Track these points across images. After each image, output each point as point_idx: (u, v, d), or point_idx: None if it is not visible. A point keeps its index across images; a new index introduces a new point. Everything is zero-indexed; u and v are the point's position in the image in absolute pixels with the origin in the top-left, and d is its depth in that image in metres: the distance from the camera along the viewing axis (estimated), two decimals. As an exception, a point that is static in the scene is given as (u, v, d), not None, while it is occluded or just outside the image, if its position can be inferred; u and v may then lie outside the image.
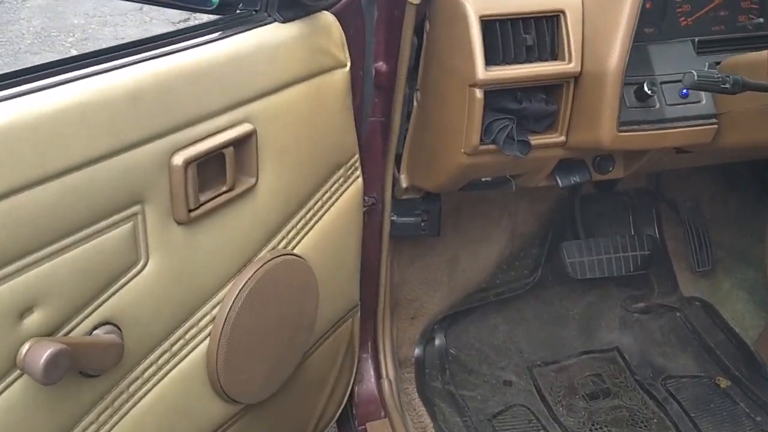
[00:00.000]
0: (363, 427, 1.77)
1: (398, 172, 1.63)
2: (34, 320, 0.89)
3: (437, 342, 2.02)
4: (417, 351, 1.98)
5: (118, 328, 1.00)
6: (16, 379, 0.89)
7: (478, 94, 1.34)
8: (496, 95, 1.37)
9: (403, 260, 1.92)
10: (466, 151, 1.40)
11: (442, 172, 1.51)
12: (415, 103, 1.55)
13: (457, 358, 2.02)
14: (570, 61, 1.36)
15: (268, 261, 1.21)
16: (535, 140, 1.40)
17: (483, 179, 1.58)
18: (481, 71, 1.32)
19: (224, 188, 1.12)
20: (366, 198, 1.60)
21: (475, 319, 2.08)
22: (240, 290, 1.17)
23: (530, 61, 1.36)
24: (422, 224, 1.73)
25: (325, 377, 1.58)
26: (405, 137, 1.59)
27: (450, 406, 1.89)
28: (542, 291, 2.12)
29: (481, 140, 1.38)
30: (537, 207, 2.06)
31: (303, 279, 1.32)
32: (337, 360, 1.60)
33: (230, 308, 1.16)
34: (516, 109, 1.38)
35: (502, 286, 2.06)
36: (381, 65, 1.45)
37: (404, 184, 1.64)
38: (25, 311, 0.88)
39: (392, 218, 1.66)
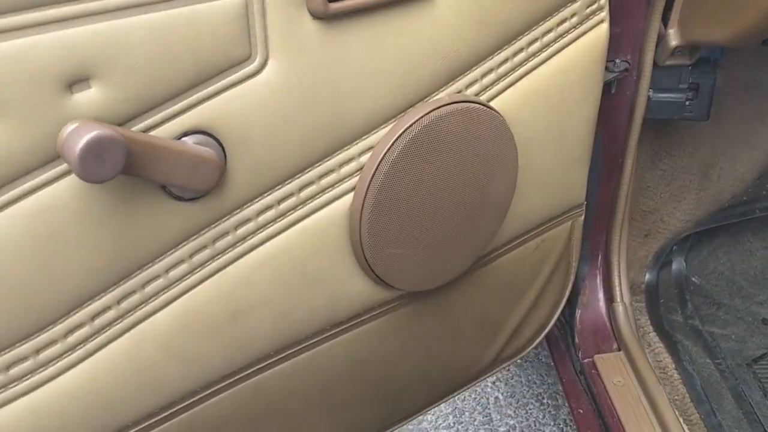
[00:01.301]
0: (590, 359, 1.44)
1: (664, 26, 1.24)
2: (88, 97, 0.66)
3: (675, 266, 1.65)
4: (648, 276, 1.63)
5: (219, 144, 0.75)
6: (63, 175, 0.67)
7: None
8: None
9: (643, 157, 1.52)
10: None
11: (753, 7, 1.09)
12: None
13: (702, 288, 1.62)
14: None
15: (446, 105, 0.87)
16: None
17: None
18: None
19: None
20: (615, 61, 1.22)
21: (725, 242, 1.67)
22: (399, 136, 0.85)
23: None
24: (687, 104, 1.33)
25: (521, 290, 1.22)
26: None
27: (696, 344, 1.51)
28: None
29: None
30: None
31: (496, 145, 0.94)
32: (542, 272, 1.23)
33: (382, 158, 0.85)
34: None
35: None
36: None
37: (673, 42, 1.24)
38: (78, 81, 0.65)
39: (647, 93, 1.28)
